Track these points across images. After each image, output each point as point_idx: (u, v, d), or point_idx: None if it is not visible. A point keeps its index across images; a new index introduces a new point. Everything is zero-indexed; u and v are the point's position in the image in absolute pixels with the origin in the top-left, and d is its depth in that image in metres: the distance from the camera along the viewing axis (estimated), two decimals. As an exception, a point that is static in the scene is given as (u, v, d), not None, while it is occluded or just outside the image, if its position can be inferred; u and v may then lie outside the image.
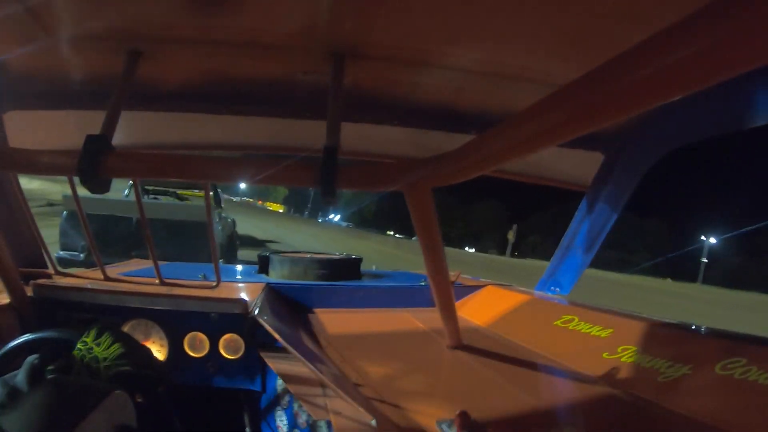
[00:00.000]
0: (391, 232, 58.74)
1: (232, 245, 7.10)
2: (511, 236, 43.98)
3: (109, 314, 1.09)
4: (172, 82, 1.17)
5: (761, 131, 1.08)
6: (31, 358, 0.70)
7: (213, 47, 0.96)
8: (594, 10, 0.74)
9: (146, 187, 6.47)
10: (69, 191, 1.17)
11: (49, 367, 0.71)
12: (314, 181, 0.78)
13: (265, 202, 66.89)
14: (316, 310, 1.44)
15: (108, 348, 0.77)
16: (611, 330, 1.05)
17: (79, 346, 0.77)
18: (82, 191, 0.91)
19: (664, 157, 1.43)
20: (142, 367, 0.81)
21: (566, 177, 1.73)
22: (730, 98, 1.10)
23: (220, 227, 6.13)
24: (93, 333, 0.79)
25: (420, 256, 0.92)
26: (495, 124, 0.64)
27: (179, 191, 7.13)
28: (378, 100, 1.25)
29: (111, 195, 1.19)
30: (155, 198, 6.45)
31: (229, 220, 7.29)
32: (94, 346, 0.77)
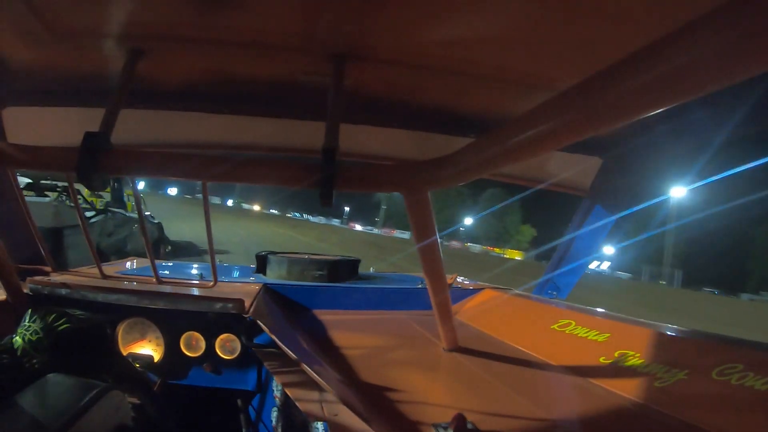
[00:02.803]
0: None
1: (158, 255, 6.17)
2: None
3: (106, 312, 1.08)
4: (172, 80, 1.17)
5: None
6: None
7: (214, 47, 0.96)
8: (595, 16, 0.75)
9: (42, 182, 5.56)
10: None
11: None
12: (313, 182, 0.78)
13: (503, 249, 48.10)
14: (314, 311, 1.44)
15: (43, 319, 0.79)
16: (608, 334, 1.06)
17: (19, 330, 0.78)
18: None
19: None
20: (81, 322, 0.82)
21: (565, 181, 1.73)
22: (730, 104, 1.11)
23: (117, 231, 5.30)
24: (28, 316, 0.80)
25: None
26: (494, 127, 0.64)
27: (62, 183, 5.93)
28: (378, 102, 1.25)
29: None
30: (45, 195, 5.41)
31: (154, 223, 6.48)
32: (32, 324, 0.78)
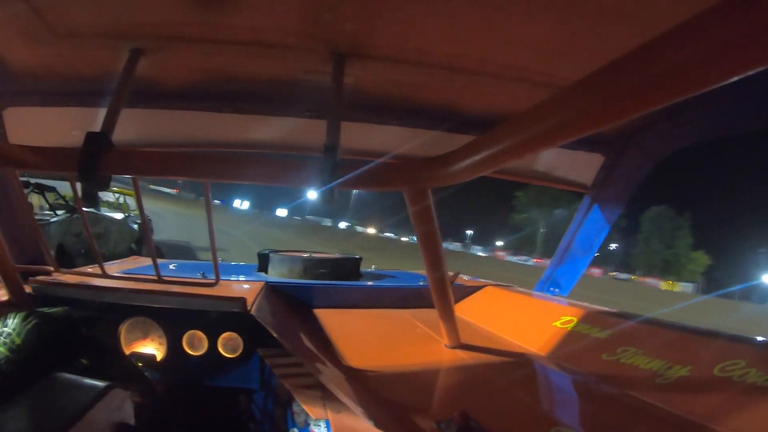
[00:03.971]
0: None
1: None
2: None
3: (108, 312, 1.08)
4: (173, 80, 1.17)
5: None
6: None
7: (214, 46, 0.96)
8: (595, 13, 0.75)
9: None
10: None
11: None
12: (314, 181, 0.78)
13: (662, 280, 37.66)
14: (316, 309, 1.44)
15: (14, 319, 0.79)
16: (610, 331, 1.06)
17: None
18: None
19: (664, 160, 1.44)
20: (51, 314, 0.83)
21: (566, 178, 1.73)
22: (731, 101, 1.10)
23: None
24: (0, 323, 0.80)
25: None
26: (496, 124, 0.64)
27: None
28: (379, 100, 1.25)
29: None
30: None
31: (136, 223, 5.95)
32: (4, 329, 0.78)
